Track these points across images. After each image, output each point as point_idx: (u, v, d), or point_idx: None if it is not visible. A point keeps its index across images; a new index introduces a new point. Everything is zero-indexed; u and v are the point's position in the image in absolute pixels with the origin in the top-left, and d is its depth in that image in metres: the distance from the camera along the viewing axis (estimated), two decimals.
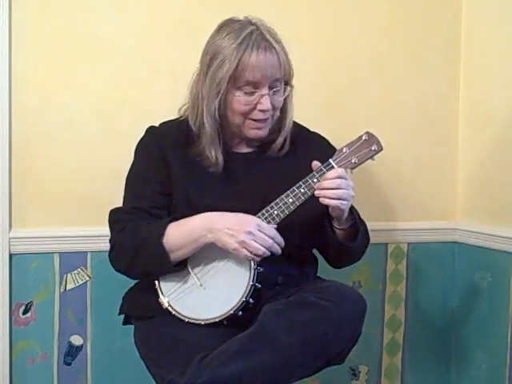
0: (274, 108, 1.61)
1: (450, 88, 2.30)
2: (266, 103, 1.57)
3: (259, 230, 1.50)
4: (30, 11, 1.95)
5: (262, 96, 1.57)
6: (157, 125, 1.72)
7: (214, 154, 1.61)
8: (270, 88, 1.58)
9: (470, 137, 2.28)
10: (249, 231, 1.49)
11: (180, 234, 1.54)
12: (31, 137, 1.98)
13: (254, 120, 1.60)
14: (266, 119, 1.61)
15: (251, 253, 1.50)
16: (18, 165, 1.97)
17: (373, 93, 2.23)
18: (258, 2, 2.01)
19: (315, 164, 1.57)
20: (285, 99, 1.64)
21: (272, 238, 1.51)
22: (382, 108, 2.24)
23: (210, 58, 1.58)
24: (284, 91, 1.62)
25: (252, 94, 1.58)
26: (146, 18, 2.04)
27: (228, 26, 1.60)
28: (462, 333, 2.31)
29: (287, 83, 1.63)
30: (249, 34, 1.56)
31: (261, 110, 1.58)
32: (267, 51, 1.56)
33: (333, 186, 1.53)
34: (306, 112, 1.82)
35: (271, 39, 1.57)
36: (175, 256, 1.55)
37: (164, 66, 2.04)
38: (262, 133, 1.63)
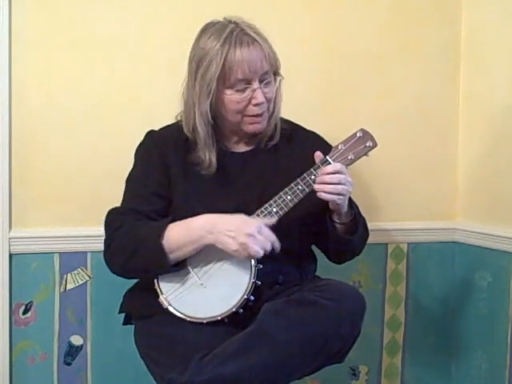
0: (267, 100, 1.62)
1: (449, 88, 2.30)
2: (259, 97, 1.58)
3: (259, 233, 1.49)
4: (29, 11, 1.95)
5: (254, 90, 1.58)
6: (156, 129, 1.72)
7: (208, 157, 1.62)
8: (261, 81, 1.59)
9: (470, 137, 2.28)
10: (249, 233, 1.48)
11: (179, 235, 1.53)
12: (31, 137, 1.98)
13: (251, 116, 1.61)
14: (262, 113, 1.62)
15: (250, 255, 1.49)
16: (18, 165, 1.97)
17: (372, 93, 2.23)
18: (258, 2, 2.01)
19: (318, 155, 1.58)
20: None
21: (271, 242, 1.50)
22: (381, 108, 2.24)
23: (196, 62, 1.59)
24: (275, 82, 1.63)
25: (244, 90, 1.59)
26: (146, 18, 2.04)
27: (209, 29, 1.61)
28: (461, 333, 2.31)
29: (276, 73, 1.64)
30: (230, 32, 1.57)
31: (255, 105, 1.59)
32: (250, 45, 1.57)
33: (333, 181, 1.54)
34: (304, 111, 1.83)
35: (252, 33, 1.58)
36: (174, 256, 1.54)
37: (164, 66, 2.04)
38: (261, 126, 1.64)
